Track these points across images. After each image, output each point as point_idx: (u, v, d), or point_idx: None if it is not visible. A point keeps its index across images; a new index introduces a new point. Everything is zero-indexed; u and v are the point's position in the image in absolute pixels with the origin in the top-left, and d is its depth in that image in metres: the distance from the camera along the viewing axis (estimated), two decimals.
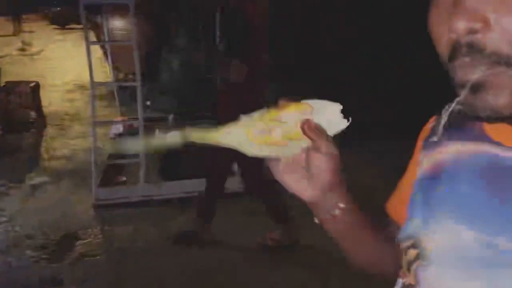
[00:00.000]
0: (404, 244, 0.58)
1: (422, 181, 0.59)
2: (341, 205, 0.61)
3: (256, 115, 0.59)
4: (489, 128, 0.52)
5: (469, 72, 0.42)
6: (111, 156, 3.95)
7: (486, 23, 0.40)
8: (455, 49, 0.42)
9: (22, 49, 9.44)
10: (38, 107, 4.86)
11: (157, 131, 4.77)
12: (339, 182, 0.60)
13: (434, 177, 0.57)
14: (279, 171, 0.61)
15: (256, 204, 2.93)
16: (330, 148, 0.57)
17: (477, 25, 0.40)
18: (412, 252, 0.55)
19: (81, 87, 6.76)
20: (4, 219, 3.09)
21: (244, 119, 0.59)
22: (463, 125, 0.56)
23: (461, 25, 0.40)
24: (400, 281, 0.61)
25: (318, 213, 0.63)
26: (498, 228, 0.46)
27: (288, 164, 0.60)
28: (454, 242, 0.50)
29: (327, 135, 0.57)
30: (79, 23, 13.61)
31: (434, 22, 0.46)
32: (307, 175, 0.60)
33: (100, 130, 4.00)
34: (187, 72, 5.46)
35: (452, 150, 0.55)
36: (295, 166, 0.60)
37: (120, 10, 5.43)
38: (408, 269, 0.56)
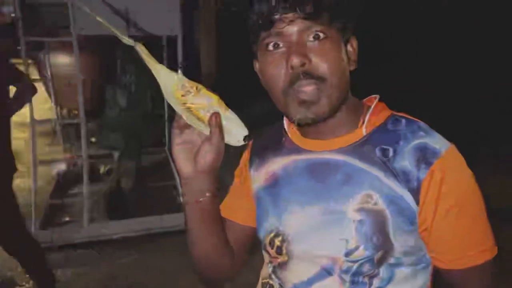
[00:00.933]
0: (268, 238, 0.80)
1: (264, 190, 0.83)
2: (208, 194, 0.76)
3: (186, 79, 0.71)
4: (294, 139, 0.80)
5: (307, 90, 0.68)
6: (53, 196, 3.82)
7: (309, 60, 0.68)
8: (294, 77, 0.68)
9: None
10: None
11: (102, 168, 4.69)
12: (214, 173, 0.76)
13: (273, 184, 0.81)
14: (176, 140, 0.74)
15: None
16: (220, 143, 0.72)
17: (305, 61, 0.67)
18: (278, 240, 0.78)
19: (22, 125, 6.48)
20: None
21: (180, 74, 0.71)
22: (277, 143, 0.83)
23: (296, 62, 0.67)
24: (271, 265, 0.82)
25: (186, 194, 0.76)
26: (327, 198, 0.73)
27: (184, 140, 0.74)
28: (305, 219, 0.75)
29: (222, 134, 0.72)
30: (19, 58, 13.21)
31: (272, 67, 0.70)
32: (193, 156, 0.74)
33: (42, 169, 3.86)
34: (134, 109, 5.44)
35: (278, 164, 0.81)
36: (188, 144, 0.74)
37: (64, 46, 5.38)
38: (279, 253, 0.78)
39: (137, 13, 3.19)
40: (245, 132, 0.73)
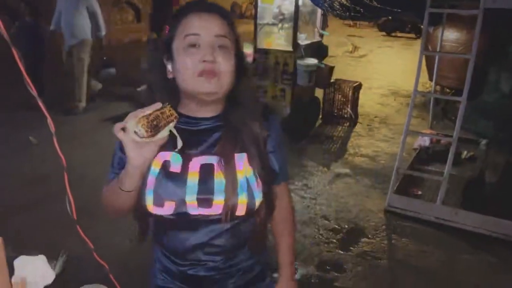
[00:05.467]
0: None
1: None
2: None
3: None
4: None
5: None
6: (411, 167, 3.90)
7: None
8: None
9: (351, 51, 10.46)
10: (354, 105, 5.29)
11: (464, 153, 4.41)
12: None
13: None
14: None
15: None
16: None
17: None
18: None
19: (394, 93, 6.94)
20: (309, 195, 3.55)
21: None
22: None
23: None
24: None
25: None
26: None
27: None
28: None
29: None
30: (403, 32, 14.03)
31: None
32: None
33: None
34: None
35: None
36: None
37: (453, 21, 5.21)
38: None
39: None
40: None
